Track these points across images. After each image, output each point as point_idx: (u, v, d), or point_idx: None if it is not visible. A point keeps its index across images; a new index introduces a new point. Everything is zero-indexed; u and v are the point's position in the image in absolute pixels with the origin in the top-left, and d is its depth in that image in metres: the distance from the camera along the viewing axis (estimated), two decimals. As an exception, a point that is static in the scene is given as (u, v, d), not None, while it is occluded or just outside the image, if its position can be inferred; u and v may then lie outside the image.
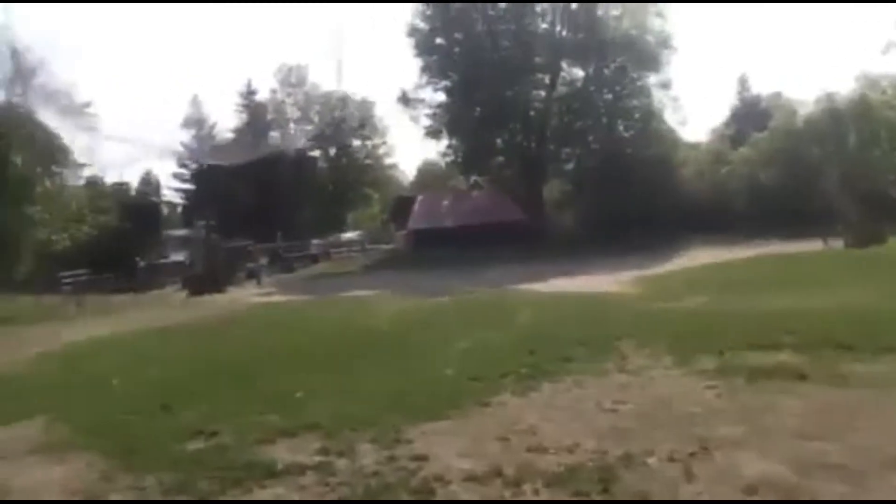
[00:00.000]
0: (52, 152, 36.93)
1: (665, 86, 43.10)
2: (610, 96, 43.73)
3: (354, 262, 40.87)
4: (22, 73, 39.47)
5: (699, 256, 25.61)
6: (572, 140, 44.48)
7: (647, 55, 41.37)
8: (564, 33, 42.97)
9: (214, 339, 14.31)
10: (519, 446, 5.96)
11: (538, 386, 8.01)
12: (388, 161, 71.11)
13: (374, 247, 51.65)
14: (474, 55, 41.39)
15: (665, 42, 41.85)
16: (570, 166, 46.56)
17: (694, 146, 47.66)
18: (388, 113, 67.20)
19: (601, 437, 6.03)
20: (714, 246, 28.36)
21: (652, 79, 42.99)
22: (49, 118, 37.64)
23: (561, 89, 44.73)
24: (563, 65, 44.57)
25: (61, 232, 47.18)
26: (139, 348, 13.77)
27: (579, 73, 45.25)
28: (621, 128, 44.24)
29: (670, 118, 44.24)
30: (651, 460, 5.36)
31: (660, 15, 42.01)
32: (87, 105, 42.74)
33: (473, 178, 48.36)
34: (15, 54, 38.10)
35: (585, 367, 8.71)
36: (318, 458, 5.94)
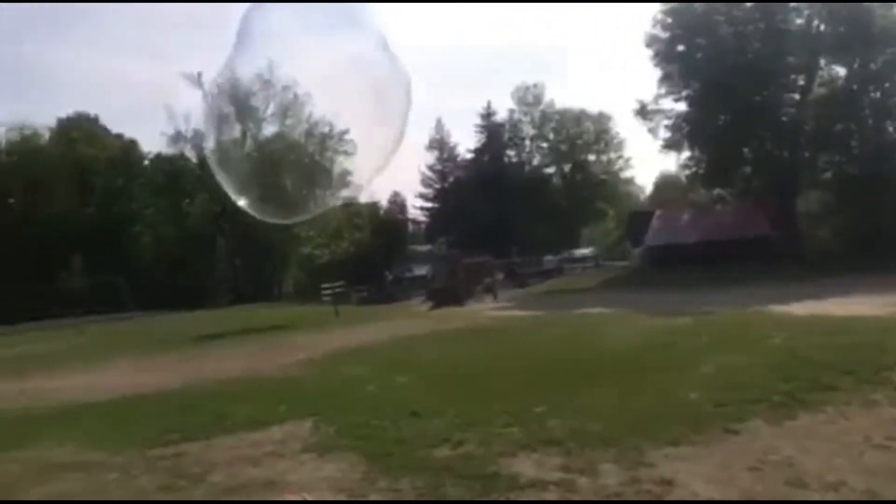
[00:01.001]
0: (315, 175, 40.97)
1: (948, 78, 37.54)
2: (877, 94, 38.77)
3: (588, 278, 40.48)
4: (290, 104, 44.51)
5: None
6: (831, 146, 40.04)
7: (924, 44, 36.29)
8: (822, 28, 39.04)
9: (457, 350, 15.01)
10: (774, 478, 5.56)
11: (794, 415, 7.35)
12: (623, 175, 70.09)
13: (608, 263, 50.91)
14: (719, 60, 38.85)
15: (948, 26, 36.45)
16: (828, 175, 42.15)
17: None
18: (624, 126, 66.29)
19: (871, 475, 5.44)
20: None
21: (932, 70, 37.62)
22: (312, 144, 41.88)
23: (818, 90, 40.56)
24: (821, 63, 40.56)
25: (323, 248, 52.66)
26: (390, 356, 14.85)
27: (840, 70, 40.72)
28: (890, 129, 39.17)
29: (955, 115, 38.39)
30: (935, 508, 4.75)
31: (942, -6, 36.71)
32: (346, 132, 47.15)
33: (717, 190, 45.40)
34: (285, 88, 43.14)
35: (850, 398, 7.83)
36: (558, 475, 5.98)
